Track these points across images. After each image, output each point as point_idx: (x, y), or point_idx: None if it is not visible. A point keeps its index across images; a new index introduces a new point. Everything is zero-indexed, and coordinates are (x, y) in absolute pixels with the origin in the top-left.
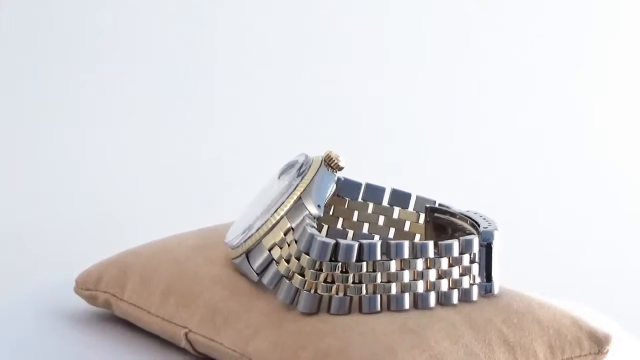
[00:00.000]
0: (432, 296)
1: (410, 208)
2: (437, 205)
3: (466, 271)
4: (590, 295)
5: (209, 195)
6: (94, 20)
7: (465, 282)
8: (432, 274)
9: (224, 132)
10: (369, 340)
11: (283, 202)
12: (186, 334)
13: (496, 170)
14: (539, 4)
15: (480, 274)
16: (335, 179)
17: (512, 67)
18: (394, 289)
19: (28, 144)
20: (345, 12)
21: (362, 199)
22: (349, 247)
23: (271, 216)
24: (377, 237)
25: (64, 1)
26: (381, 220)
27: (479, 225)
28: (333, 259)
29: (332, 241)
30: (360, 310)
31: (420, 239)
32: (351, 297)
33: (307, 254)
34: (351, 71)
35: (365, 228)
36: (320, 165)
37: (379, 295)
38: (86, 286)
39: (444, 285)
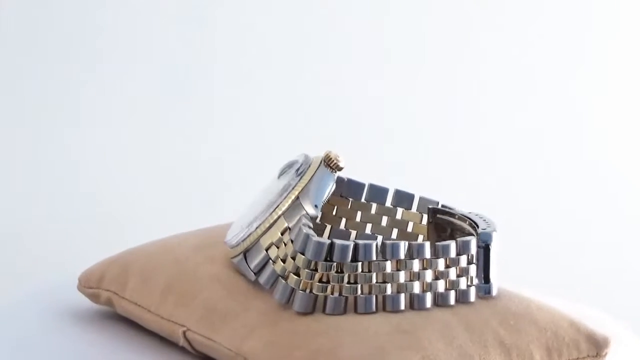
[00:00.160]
0: (429, 297)
1: (414, 209)
2: (439, 206)
3: (463, 272)
4: (590, 296)
5: (209, 195)
6: (94, 20)
7: (463, 284)
8: (429, 275)
9: (224, 132)
10: (361, 341)
11: (281, 202)
12: (184, 333)
13: (497, 170)
14: (539, 4)
15: (478, 275)
16: (335, 179)
17: (513, 67)
18: (389, 289)
19: (28, 144)
20: (345, 12)
21: (365, 200)
22: (344, 247)
23: (269, 215)
24: (380, 237)
25: (64, 1)
26: (384, 220)
27: (477, 227)
28: (328, 259)
29: (327, 241)
30: (355, 311)
31: (422, 240)
32: (346, 297)
33: (303, 254)
34: (351, 71)
35: (369, 228)
36: (320, 165)
37: (374, 296)
38: (89, 284)
39: (441, 286)
